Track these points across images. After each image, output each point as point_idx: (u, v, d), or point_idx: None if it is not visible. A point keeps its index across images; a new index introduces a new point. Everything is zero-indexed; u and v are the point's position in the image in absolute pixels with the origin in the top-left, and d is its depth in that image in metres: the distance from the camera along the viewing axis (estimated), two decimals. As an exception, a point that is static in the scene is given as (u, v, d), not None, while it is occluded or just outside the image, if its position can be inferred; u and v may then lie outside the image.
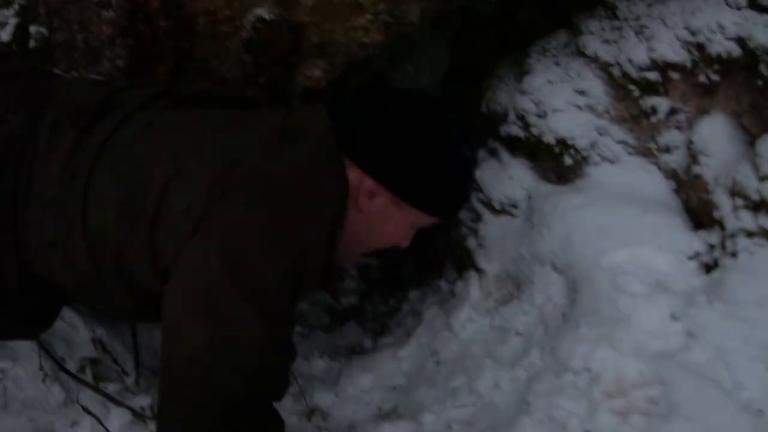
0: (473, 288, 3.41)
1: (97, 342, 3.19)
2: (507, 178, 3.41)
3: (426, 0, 3.11)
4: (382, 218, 2.55)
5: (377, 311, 4.24)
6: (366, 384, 3.39)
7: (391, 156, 2.49)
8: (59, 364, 3.01)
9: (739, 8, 2.88)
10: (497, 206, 3.44)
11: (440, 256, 3.89)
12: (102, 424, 2.86)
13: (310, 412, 3.26)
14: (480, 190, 3.50)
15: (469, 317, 3.35)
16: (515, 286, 3.29)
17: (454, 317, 3.39)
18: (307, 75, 3.33)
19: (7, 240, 2.36)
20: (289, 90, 3.41)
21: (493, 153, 3.53)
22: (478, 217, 3.52)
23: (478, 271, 3.47)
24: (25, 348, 2.95)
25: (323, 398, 3.33)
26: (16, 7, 3.09)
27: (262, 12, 3.08)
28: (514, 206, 3.39)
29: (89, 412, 2.90)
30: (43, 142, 2.39)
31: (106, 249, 2.37)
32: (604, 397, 2.67)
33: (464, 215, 3.60)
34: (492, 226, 3.45)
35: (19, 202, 2.36)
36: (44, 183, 2.36)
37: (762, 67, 2.79)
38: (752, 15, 2.86)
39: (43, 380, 2.92)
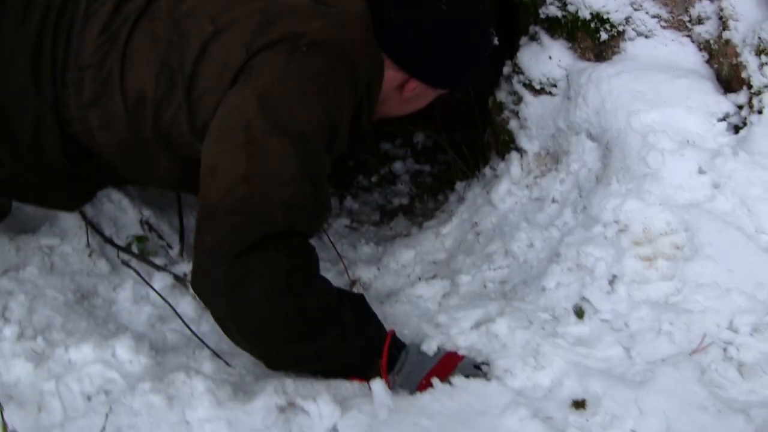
0: (514, 167, 3.52)
1: (144, 223, 3.33)
2: (546, 58, 3.50)
3: None
4: (418, 97, 2.89)
5: (426, 207, 4.35)
6: (407, 259, 3.50)
7: (428, 57, 2.76)
8: (105, 237, 3.15)
9: None
10: (537, 86, 3.53)
11: (486, 147, 3.99)
12: (143, 278, 3.02)
13: (352, 284, 3.39)
14: (521, 72, 3.60)
15: (509, 190, 3.47)
16: (554, 160, 3.40)
17: (494, 192, 3.51)
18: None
19: (47, 99, 2.52)
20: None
21: (533, 37, 3.62)
22: (519, 99, 3.62)
23: (519, 151, 3.58)
24: (73, 227, 3.10)
25: (366, 272, 3.44)
26: None
27: None
28: (554, 85, 3.48)
29: (129, 266, 3.09)
30: (81, 9, 2.57)
31: (144, 108, 2.53)
32: (631, 245, 2.78)
33: (506, 98, 3.72)
34: (532, 106, 3.54)
35: (58, 64, 2.52)
36: (83, 45, 2.53)
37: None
38: None
39: (90, 255, 3.05)
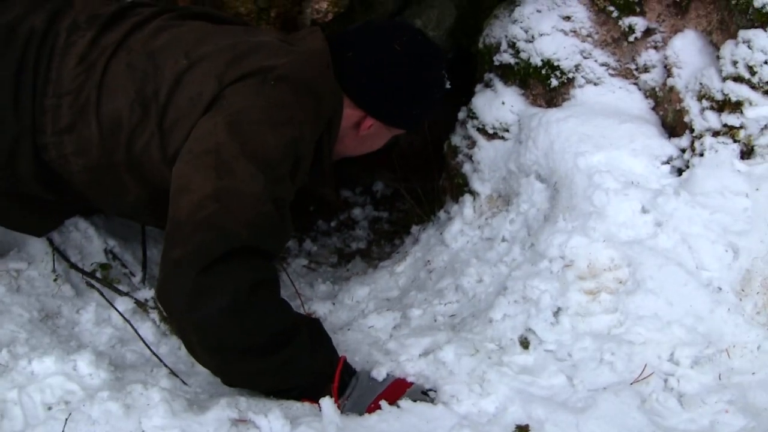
0: (467, 208, 3.61)
1: (108, 252, 3.38)
2: (500, 104, 3.61)
3: None
4: (374, 136, 3.06)
5: (383, 251, 4.41)
6: (362, 295, 3.56)
7: (383, 96, 2.95)
8: (70, 262, 3.21)
9: (703, -76, 3.13)
10: (490, 131, 3.63)
11: (441, 191, 4.09)
12: (106, 299, 3.10)
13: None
14: (475, 117, 3.71)
15: (461, 230, 3.56)
16: (505, 202, 3.49)
17: (446, 232, 3.60)
18: (315, 8, 3.53)
19: (25, 125, 2.63)
20: (298, 23, 3.63)
21: (488, 84, 3.74)
22: (473, 143, 3.71)
23: (472, 193, 3.67)
24: (40, 252, 3.16)
25: (321, 307, 3.49)
26: None
27: None
28: (506, 130, 3.58)
29: (94, 286, 3.17)
30: (61, 39, 2.70)
31: (119, 134, 2.64)
32: (575, 279, 2.87)
33: (461, 142, 3.82)
34: (485, 150, 3.65)
35: (38, 90, 2.64)
36: (62, 73, 2.66)
37: (727, -20, 3.01)
38: (715, -71, 3.10)
39: (55, 280, 3.11)
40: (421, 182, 4.37)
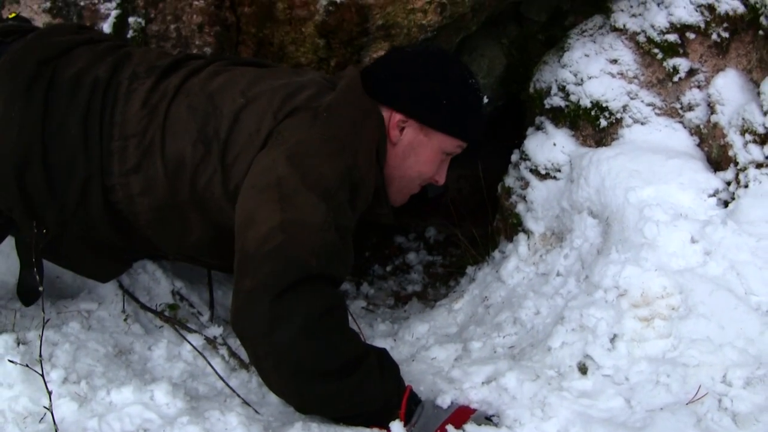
0: (521, 246, 3.75)
1: (175, 293, 3.56)
2: (551, 145, 3.78)
3: None
4: (413, 146, 3.10)
5: (439, 293, 4.53)
6: (421, 332, 3.68)
7: (409, 90, 3.05)
8: (140, 303, 3.38)
9: (741, -29, 3.30)
10: (542, 171, 3.80)
11: (495, 232, 4.23)
12: (179, 332, 3.27)
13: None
14: (528, 158, 3.88)
15: (517, 267, 3.69)
16: (558, 239, 3.63)
17: (503, 269, 3.74)
18: (372, 56, 3.70)
19: (94, 167, 2.82)
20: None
21: (539, 127, 3.91)
22: (526, 184, 3.88)
23: (526, 232, 3.81)
24: (110, 294, 3.33)
25: (383, 343, 3.54)
26: None
27: None
28: (558, 170, 3.75)
29: (166, 317, 3.35)
30: (123, 87, 2.90)
31: (183, 172, 2.82)
32: (630, 307, 2.98)
33: (514, 183, 3.98)
34: (538, 190, 3.81)
35: (105, 134, 2.83)
36: (127, 117, 2.85)
37: (762, 19, 3.17)
38: (752, -24, 3.27)
39: (125, 320, 3.27)
40: (473, 227, 4.51)
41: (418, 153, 3.10)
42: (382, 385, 2.66)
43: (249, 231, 2.59)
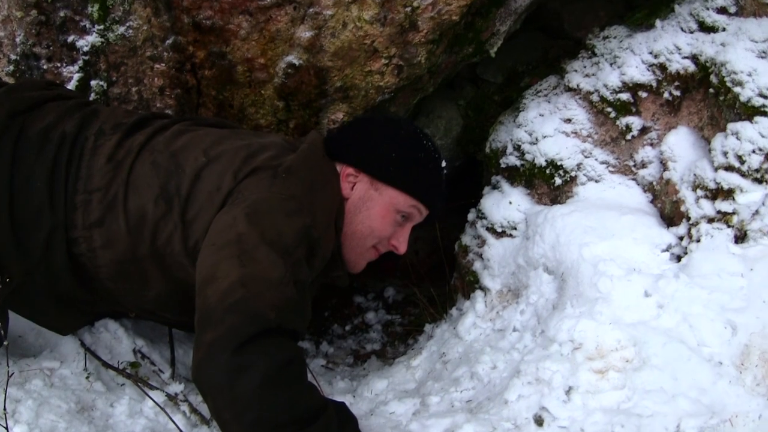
0: (479, 303, 3.78)
1: (137, 351, 3.56)
2: (507, 203, 3.83)
3: (430, 43, 3.51)
4: (364, 201, 3.17)
5: (398, 351, 4.53)
6: (380, 388, 3.68)
7: (360, 144, 3.18)
8: (102, 361, 3.37)
9: (691, 32, 3.41)
10: (499, 229, 3.84)
11: (453, 290, 4.26)
12: (141, 388, 3.25)
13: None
14: (484, 217, 3.92)
15: (474, 323, 3.71)
16: (515, 295, 3.66)
17: (460, 325, 3.75)
18: (331, 118, 3.76)
19: (58, 219, 2.87)
20: (315, 133, 3.86)
21: (495, 186, 3.97)
22: (482, 242, 3.91)
23: (483, 289, 3.85)
24: (72, 352, 3.32)
25: (341, 398, 3.44)
26: (80, 62, 3.57)
27: (292, 58, 3.50)
28: (514, 228, 3.79)
29: (128, 374, 3.34)
30: (90, 142, 2.97)
31: (144, 227, 2.88)
32: (585, 360, 3.01)
33: (471, 242, 4.02)
34: (495, 248, 3.85)
35: (70, 188, 2.89)
36: (92, 171, 2.92)
37: (712, 77, 3.26)
38: (702, 35, 3.39)
39: (87, 378, 3.26)
40: (432, 286, 4.54)
41: (369, 207, 3.17)
42: None
43: (210, 287, 2.60)
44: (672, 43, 3.42)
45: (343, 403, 2.84)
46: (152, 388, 3.30)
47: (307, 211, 2.83)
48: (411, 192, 3.15)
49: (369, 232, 3.18)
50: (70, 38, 3.50)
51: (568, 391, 2.95)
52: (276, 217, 2.76)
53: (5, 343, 2.81)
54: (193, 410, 3.22)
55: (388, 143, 3.17)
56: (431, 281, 4.61)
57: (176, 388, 3.36)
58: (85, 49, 3.51)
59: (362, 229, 3.18)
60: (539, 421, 2.92)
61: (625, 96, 3.57)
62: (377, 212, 3.16)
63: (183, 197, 2.87)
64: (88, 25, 3.47)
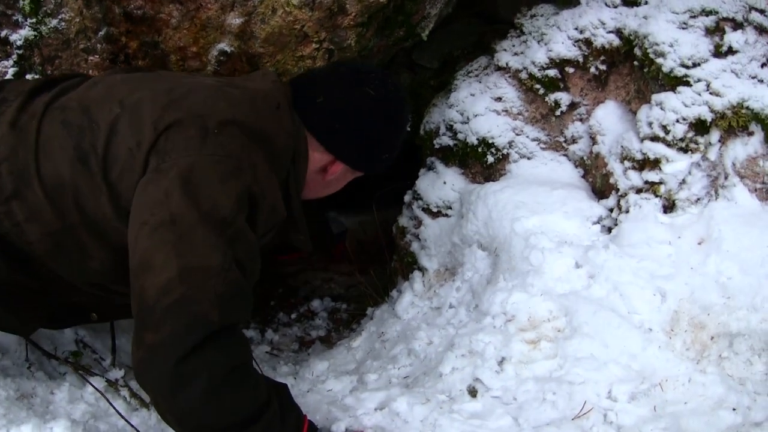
0: (417, 283, 3.81)
1: (79, 341, 3.52)
2: (441, 184, 3.85)
3: (359, 26, 3.50)
4: (338, 181, 3.08)
5: (342, 337, 4.52)
6: (321, 369, 3.67)
7: (355, 143, 2.95)
8: (43, 350, 3.33)
9: (615, 6, 3.46)
10: (434, 209, 3.87)
11: (393, 272, 4.28)
12: (82, 375, 3.22)
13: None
14: (420, 198, 3.95)
15: (412, 302, 3.73)
16: (451, 274, 3.69)
17: (398, 305, 3.78)
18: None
19: None
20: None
21: (430, 167, 3.98)
22: (419, 223, 3.94)
23: (421, 269, 3.87)
24: (13, 344, 3.28)
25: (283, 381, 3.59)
26: (14, 57, 3.44)
27: (224, 46, 3.47)
28: (449, 207, 3.82)
29: (68, 362, 3.30)
30: None
31: (64, 194, 2.60)
32: (517, 331, 3.06)
33: (408, 223, 4.04)
34: (431, 228, 3.87)
35: None
36: None
37: (636, 50, 3.31)
38: (625, 9, 3.44)
39: (29, 368, 3.22)
40: (375, 270, 4.55)
41: (341, 182, 3.11)
42: (283, 427, 2.59)
43: (146, 277, 2.42)
44: (597, 18, 3.45)
45: (285, 386, 2.76)
46: (93, 374, 3.26)
47: (246, 169, 2.57)
48: (382, 171, 3.10)
49: (328, 194, 3.16)
50: (3, 32, 3.41)
51: (501, 361, 3.00)
52: (210, 186, 2.49)
53: None
54: (133, 395, 3.19)
55: (379, 135, 2.99)
56: (377, 266, 4.61)
57: (117, 374, 3.31)
58: (19, 43, 3.42)
59: (324, 193, 3.14)
60: (473, 392, 2.96)
61: (552, 72, 3.60)
62: (343, 184, 3.14)
63: (100, 156, 2.58)
64: (20, 19, 3.38)
